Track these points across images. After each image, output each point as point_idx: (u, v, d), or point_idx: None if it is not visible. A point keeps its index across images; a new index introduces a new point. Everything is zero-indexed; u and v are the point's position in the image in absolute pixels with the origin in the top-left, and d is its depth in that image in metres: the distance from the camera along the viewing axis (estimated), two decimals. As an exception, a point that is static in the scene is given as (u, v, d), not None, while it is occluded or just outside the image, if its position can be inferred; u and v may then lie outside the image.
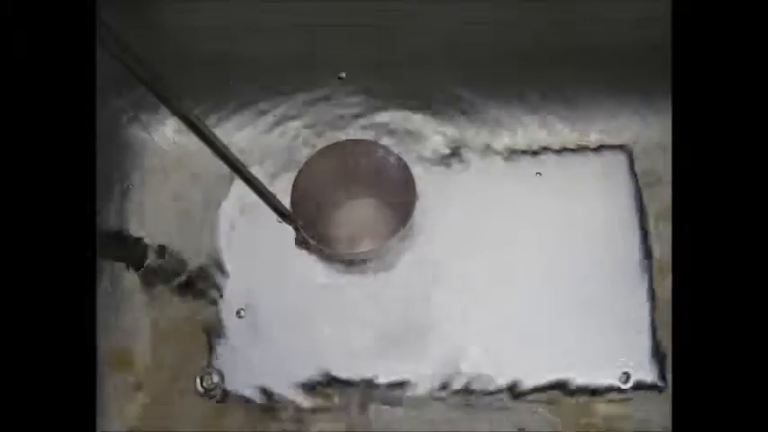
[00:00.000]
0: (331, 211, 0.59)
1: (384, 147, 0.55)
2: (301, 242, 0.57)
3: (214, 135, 0.44)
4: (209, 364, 0.55)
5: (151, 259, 0.57)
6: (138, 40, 0.50)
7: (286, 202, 0.53)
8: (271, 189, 0.54)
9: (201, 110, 0.60)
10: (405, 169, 0.54)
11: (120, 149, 0.59)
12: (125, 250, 0.56)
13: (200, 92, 0.59)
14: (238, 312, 0.56)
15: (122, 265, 0.56)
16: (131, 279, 0.57)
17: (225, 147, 0.46)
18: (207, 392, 0.54)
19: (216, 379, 0.54)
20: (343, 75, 0.59)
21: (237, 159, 0.48)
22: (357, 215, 0.59)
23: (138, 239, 0.57)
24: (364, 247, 0.57)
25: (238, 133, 0.61)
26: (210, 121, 0.60)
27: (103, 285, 0.55)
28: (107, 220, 0.56)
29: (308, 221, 0.55)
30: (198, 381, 0.54)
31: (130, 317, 0.56)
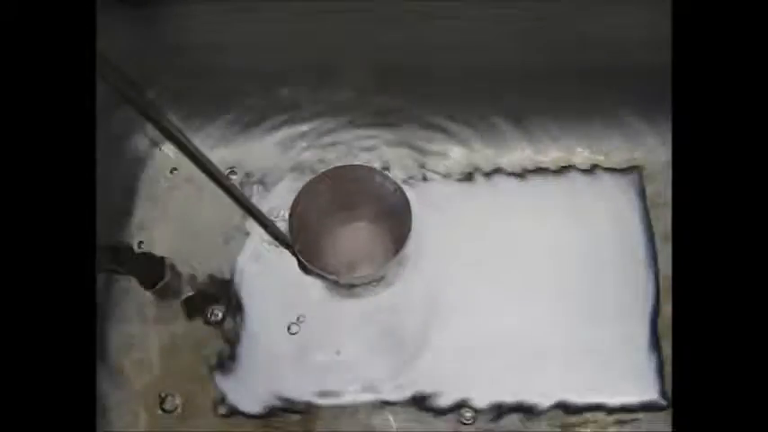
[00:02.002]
0: (328, 236, 0.58)
1: (380, 172, 0.55)
2: (300, 266, 0.56)
3: (210, 162, 0.44)
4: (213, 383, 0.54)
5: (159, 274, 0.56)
6: (133, 52, 0.51)
7: (283, 226, 0.52)
8: (268, 213, 0.53)
9: (197, 127, 0.60)
10: (401, 194, 0.54)
11: (128, 162, 0.59)
12: (138, 267, 0.55)
13: (196, 108, 0.59)
14: (243, 330, 0.55)
15: (132, 278, 0.55)
16: (140, 293, 0.56)
17: (220, 172, 0.45)
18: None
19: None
20: (345, 95, 0.59)
21: (234, 186, 0.47)
22: (354, 240, 0.58)
23: (152, 257, 0.56)
24: (361, 271, 0.57)
25: (236, 156, 0.61)
26: (206, 140, 0.60)
27: (111, 298, 0.54)
28: (115, 234, 0.56)
29: (306, 246, 0.54)
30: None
31: (137, 331, 0.55)
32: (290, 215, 0.53)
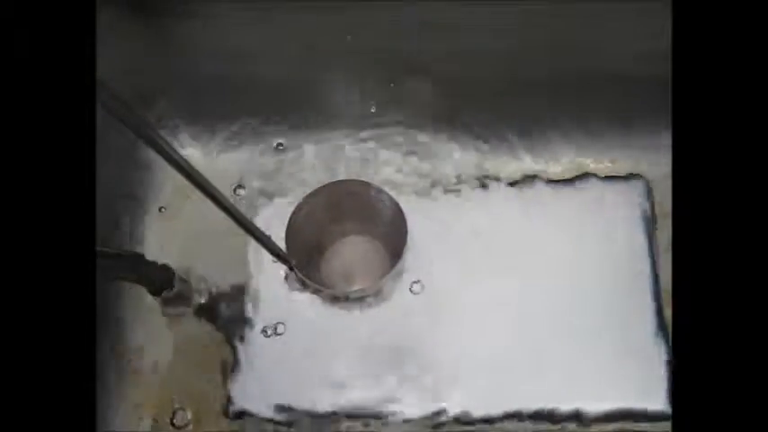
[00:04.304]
0: (325, 250, 0.57)
1: (376, 186, 0.54)
2: (297, 281, 0.56)
3: (207, 181, 0.43)
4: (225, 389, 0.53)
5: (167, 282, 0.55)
6: (137, 63, 0.51)
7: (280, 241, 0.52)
8: (265, 227, 0.52)
9: (197, 139, 0.59)
10: (397, 208, 0.53)
11: (139, 170, 0.58)
12: (147, 274, 0.54)
13: (198, 120, 0.58)
14: (251, 337, 0.55)
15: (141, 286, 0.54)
16: (151, 300, 0.55)
17: (218, 191, 0.45)
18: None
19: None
20: (349, 105, 0.58)
21: (231, 204, 0.47)
22: (350, 253, 0.57)
23: (160, 265, 0.55)
24: (358, 284, 0.56)
25: (238, 167, 0.60)
26: (206, 151, 0.59)
27: (123, 306, 0.54)
28: (121, 241, 0.55)
29: (303, 260, 0.53)
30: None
31: (149, 337, 0.54)
32: (287, 229, 0.52)
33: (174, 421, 0.52)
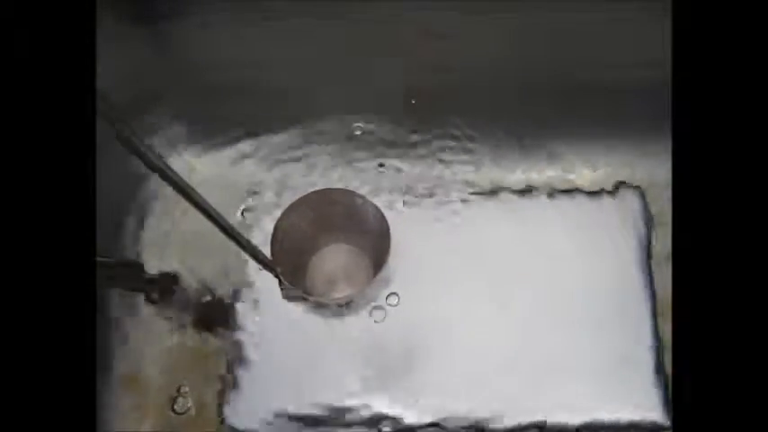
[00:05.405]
0: (309, 257, 0.57)
1: (360, 195, 0.54)
2: (282, 288, 0.55)
3: (194, 190, 0.43)
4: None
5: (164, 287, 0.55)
6: (138, 71, 0.50)
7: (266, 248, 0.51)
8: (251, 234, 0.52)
9: (190, 144, 0.58)
10: (380, 216, 0.53)
11: (134, 177, 0.56)
12: (145, 282, 0.55)
13: (197, 126, 0.58)
14: (250, 343, 0.54)
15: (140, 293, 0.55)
16: (150, 306, 0.55)
17: (205, 201, 0.44)
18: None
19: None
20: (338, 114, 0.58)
21: (218, 213, 0.46)
22: (334, 260, 0.57)
23: (158, 273, 0.56)
24: (341, 291, 0.56)
25: (220, 175, 0.59)
26: (204, 158, 0.59)
27: (118, 312, 0.53)
28: (121, 248, 0.54)
29: (288, 268, 0.52)
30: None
31: (148, 342, 0.54)
32: (272, 237, 0.51)
33: (173, 423, 0.52)
